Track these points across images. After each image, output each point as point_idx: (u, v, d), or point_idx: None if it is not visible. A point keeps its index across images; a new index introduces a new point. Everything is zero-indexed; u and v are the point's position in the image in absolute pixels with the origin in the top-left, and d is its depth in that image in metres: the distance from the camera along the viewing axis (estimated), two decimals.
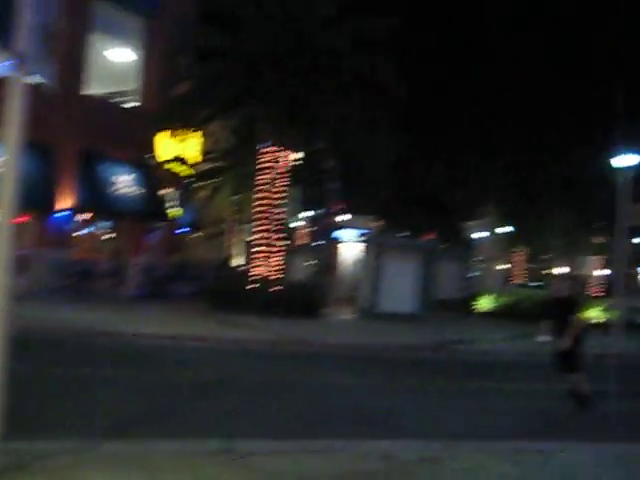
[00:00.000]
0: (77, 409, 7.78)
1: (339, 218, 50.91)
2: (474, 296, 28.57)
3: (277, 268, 22.20)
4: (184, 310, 20.54)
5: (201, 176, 41.39)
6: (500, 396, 10.98)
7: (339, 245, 32.29)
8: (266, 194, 22.12)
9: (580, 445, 7.76)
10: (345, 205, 56.43)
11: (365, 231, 29.69)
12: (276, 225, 22.21)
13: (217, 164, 41.56)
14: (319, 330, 18.41)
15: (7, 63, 5.40)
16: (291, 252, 37.88)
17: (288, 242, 46.55)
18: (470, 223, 58.82)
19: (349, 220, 51.04)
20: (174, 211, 30.26)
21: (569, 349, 9.72)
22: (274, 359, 13.55)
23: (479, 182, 40.32)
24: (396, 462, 6.40)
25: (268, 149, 22.13)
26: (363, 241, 25.22)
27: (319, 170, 51.31)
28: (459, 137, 35.41)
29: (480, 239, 68.02)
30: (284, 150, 22.25)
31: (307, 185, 51.37)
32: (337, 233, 36.17)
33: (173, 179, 30.43)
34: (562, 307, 9.91)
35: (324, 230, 46.90)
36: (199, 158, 31.12)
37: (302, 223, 53.09)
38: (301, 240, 51.37)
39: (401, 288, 22.01)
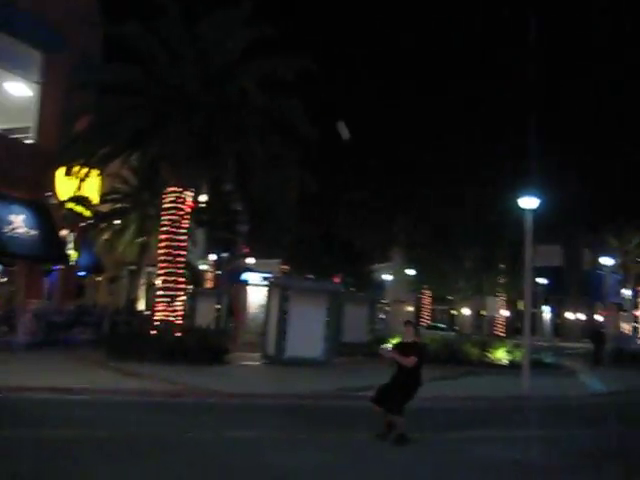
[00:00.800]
0: None
1: (245, 261, 50.36)
2: (381, 339, 28.34)
3: (180, 313, 21.38)
4: (79, 359, 19.31)
5: (102, 218, 40.22)
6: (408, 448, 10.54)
7: (245, 289, 31.58)
8: (170, 236, 21.34)
9: None
10: (251, 248, 56.04)
11: (270, 274, 29.06)
12: (180, 268, 21.42)
13: (119, 205, 40.54)
14: (222, 378, 17.62)
15: None
16: (197, 296, 37.06)
17: (193, 286, 45.84)
18: (377, 266, 59.35)
19: (255, 263, 50.55)
20: (73, 254, 28.90)
21: (398, 386, 10.47)
22: (170, 411, 12.67)
23: (387, 225, 40.65)
24: None
25: (171, 189, 21.41)
26: (267, 284, 24.58)
27: (226, 212, 50.92)
28: (369, 180, 35.78)
29: (387, 281, 68.86)
30: (187, 190, 21.56)
31: (214, 228, 50.94)
32: (243, 276, 35.54)
33: (73, 220, 29.15)
34: (407, 351, 10.63)
35: (230, 273, 46.21)
36: (97, 199, 30.04)
37: (208, 267, 52.22)
38: (207, 283, 50.41)
39: (307, 333, 21.47)
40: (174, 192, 21.36)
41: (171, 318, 20.87)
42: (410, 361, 10.48)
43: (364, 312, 29.84)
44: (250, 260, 53.04)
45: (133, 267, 44.96)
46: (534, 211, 18.92)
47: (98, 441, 9.32)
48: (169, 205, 21.46)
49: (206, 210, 48.61)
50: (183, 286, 21.69)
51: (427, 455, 9.95)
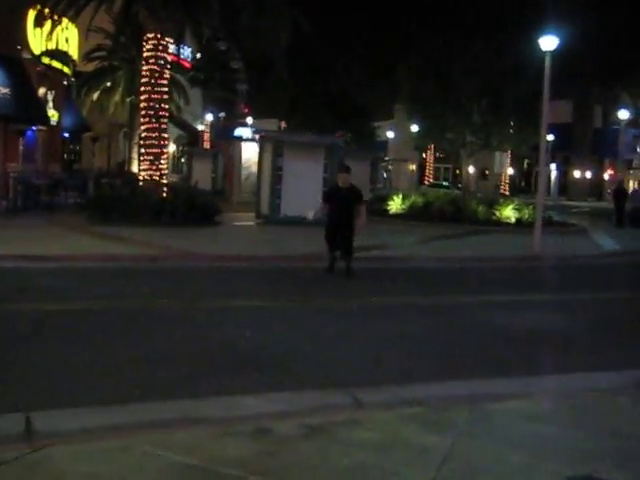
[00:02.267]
0: None
1: (243, 120, 48.37)
2: (384, 198, 27.03)
3: (165, 171, 19.89)
4: (58, 224, 17.95)
5: (89, 77, 37.96)
6: (420, 314, 9.34)
7: (239, 145, 29.84)
8: (150, 88, 19.46)
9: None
10: (250, 108, 53.85)
11: (264, 130, 27.26)
12: (163, 123, 19.71)
13: (106, 63, 38.14)
14: (211, 240, 16.40)
15: None
16: (193, 156, 35.54)
17: (189, 146, 44.11)
18: (380, 123, 57.23)
19: (253, 123, 48.58)
20: (53, 114, 27.08)
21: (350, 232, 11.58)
22: (147, 277, 11.45)
23: (390, 78, 38.26)
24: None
25: (150, 36, 19.32)
26: (260, 139, 22.89)
27: (223, 70, 48.29)
28: (371, 27, 32.96)
29: (390, 139, 66.86)
30: (167, 37, 19.50)
31: (210, 87, 48.51)
32: (237, 132, 33.75)
33: (51, 77, 27.13)
34: (346, 196, 11.58)
35: (224, 130, 44.31)
36: (77, 55, 27.88)
37: (205, 127, 50.32)
38: (205, 144, 48.75)
39: (303, 190, 19.97)
40: (153, 39, 19.26)
41: (155, 177, 19.40)
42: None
43: (365, 170, 28.56)
44: (249, 120, 51.07)
45: (124, 128, 43.22)
46: (552, 53, 17.02)
47: (69, 313, 8.11)
48: (149, 54, 19.39)
49: (202, 68, 46.45)
50: (167, 142, 20.09)
51: (442, 323, 8.74)
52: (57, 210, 21.02)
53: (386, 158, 58.17)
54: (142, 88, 19.84)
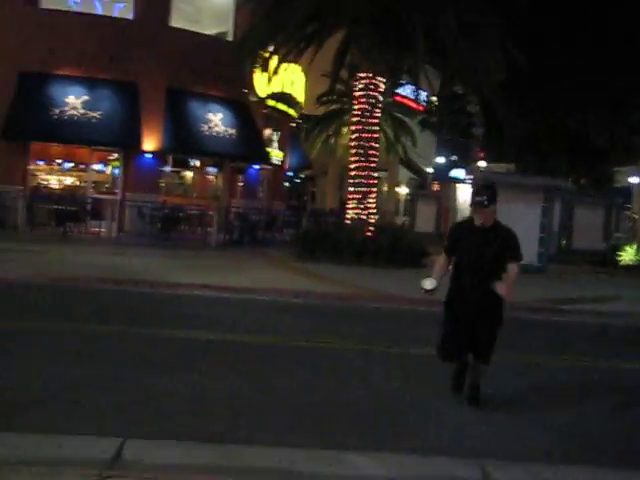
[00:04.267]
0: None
1: (477, 165, 47.28)
2: (618, 248, 24.56)
3: (373, 210, 19.64)
4: (265, 258, 18.36)
5: (318, 120, 39.29)
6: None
7: (454, 187, 28.98)
8: (361, 126, 19.44)
9: None
10: (485, 151, 52.65)
11: (474, 171, 26.16)
12: (372, 162, 19.54)
13: (335, 106, 39.28)
14: (407, 282, 15.69)
15: None
16: (417, 198, 35.26)
17: (421, 188, 43.85)
18: (622, 168, 52.99)
19: (485, 167, 47.29)
20: (276, 153, 28.20)
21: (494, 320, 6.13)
22: (324, 315, 11.06)
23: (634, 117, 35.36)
24: None
25: (362, 75, 19.37)
26: (471, 180, 21.91)
27: (458, 114, 47.75)
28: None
29: (634, 185, 61.57)
30: (379, 76, 19.40)
31: (442, 130, 48.13)
32: (453, 173, 32.87)
33: (277, 119, 28.35)
34: (485, 242, 6.06)
35: (442, 172, 43.38)
36: (303, 98, 28.82)
37: (433, 170, 49.95)
38: (433, 187, 48.34)
39: (519, 235, 18.63)
40: (364, 79, 19.28)
41: (363, 216, 19.21)
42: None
43: (599, 217, 26.50)
44: (481, 164, 49.92)
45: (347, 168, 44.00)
46: None
47: (232, 344, 7.96)
48: (360, 93, 19.45)
49: (433, 111, 46.27)
50: (376, 182, 19.89)
51: None
52: (271, 245, 21.64)
53: (627, 205, 53.74)
54: (352, 127, 19.94)
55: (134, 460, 4.29)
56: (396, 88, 26.05)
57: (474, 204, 6.17)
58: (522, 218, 19.05)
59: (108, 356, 7.00)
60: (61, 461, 4.21)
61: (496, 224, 6.20)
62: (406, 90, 35.89)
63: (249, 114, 24.71)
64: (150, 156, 22.61)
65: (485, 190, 6.11)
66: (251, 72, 23.85)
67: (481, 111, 47.22)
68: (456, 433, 5.45)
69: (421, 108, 41.79)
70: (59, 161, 24.10)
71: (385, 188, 43.67)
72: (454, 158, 53.31)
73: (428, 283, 6.06)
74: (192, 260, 16.84)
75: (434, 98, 42.15)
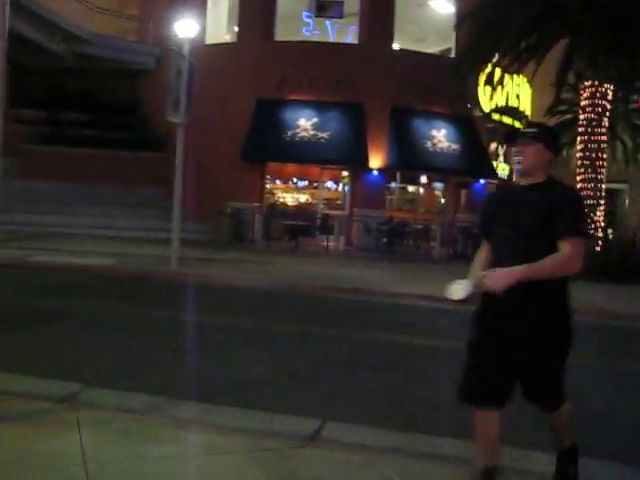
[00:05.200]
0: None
1: None
2: None
3: (602, 223, 18.92)
4: None
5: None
6: None
7: None
8: (586, 137, 18.88)
9: None
10: None
11: None
12: (599, 173, 18.88)
13: (568, 116, 37.90)
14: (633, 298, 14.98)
15: None
16: None
17: None
18: None
19: None
20: (504, 167, 28.03)
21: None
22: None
23: None
24: None
25: (587, 84, 18.83)
26: None
27: None
28: None
29: None
30: (605, 83, 18.73)
31: None
32: None
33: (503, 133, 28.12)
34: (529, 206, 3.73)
35: None
36: (529, 109, 28.33)
37: None
38: None
39: None
40: (590, 87, 18.72)
41: (590, 231, 18.56)
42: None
43: None
44: None
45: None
46: None
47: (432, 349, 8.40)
48: (585, 103, 18.91)
49: None
50: (603, 194, 19.15)
51: None
52: None
53: None
54: (579, 138, 19.39)
55: (331, 438, 4.86)
56: (632, 94, 24.67)
57: (505, 139, 4.20)
58: None
59: (321, 355, 7.74)
60: (271, 433, 4.90)
61: (549, 181, 3.79)
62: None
63: (474, 129, 24.91)
64: (376, 173, 23.61)
65: (536, 125, 3.95)
66: (475, 87, 24.08)
67: None
68: None
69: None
70: (294, 180, 25.95)
71: (626, 201, 41.20)
72: None
73: (456, 289, 3.82)
74: (413, 272, 17.38)
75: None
